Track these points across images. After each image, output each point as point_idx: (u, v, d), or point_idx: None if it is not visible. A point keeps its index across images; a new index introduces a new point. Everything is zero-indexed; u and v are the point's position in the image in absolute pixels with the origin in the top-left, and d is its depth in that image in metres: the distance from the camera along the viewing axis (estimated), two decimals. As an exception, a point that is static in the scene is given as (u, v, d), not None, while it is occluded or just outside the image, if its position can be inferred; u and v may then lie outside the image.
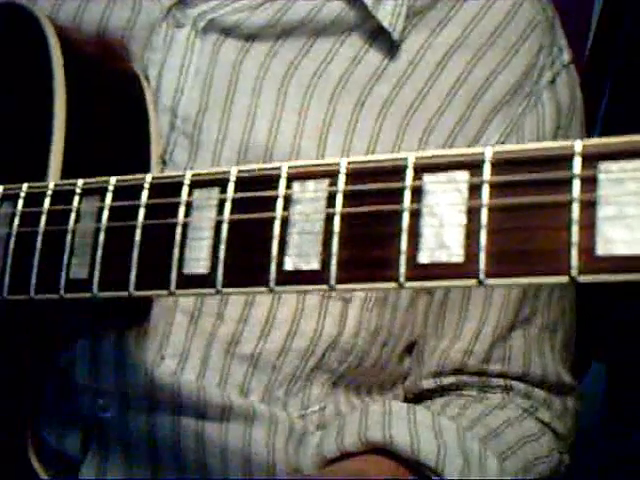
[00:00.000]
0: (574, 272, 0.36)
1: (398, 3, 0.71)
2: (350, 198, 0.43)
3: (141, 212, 0.49)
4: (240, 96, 0.71)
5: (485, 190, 0.39)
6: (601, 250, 0.36)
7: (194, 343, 0.71)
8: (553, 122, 0.76)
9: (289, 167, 0.45)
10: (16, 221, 0.54)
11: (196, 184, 0.48)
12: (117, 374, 0.71)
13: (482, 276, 0.39)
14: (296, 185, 0.44)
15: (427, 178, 0.41)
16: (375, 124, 0.72)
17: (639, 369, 1.12)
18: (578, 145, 0.38)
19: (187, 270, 0.46)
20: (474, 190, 0.39)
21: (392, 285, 0.41)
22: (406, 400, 0.80)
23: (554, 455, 0.78)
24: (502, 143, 0.74)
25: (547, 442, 0.77)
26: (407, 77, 0.73)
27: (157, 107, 0.70)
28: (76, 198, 0.52)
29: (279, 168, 0.45)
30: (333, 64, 0.72)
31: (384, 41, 0.72)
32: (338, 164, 0.43)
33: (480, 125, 0.74)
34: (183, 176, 0.48)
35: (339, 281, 0.42)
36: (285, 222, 0.44)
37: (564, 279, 0.37)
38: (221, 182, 0.47)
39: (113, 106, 0.67)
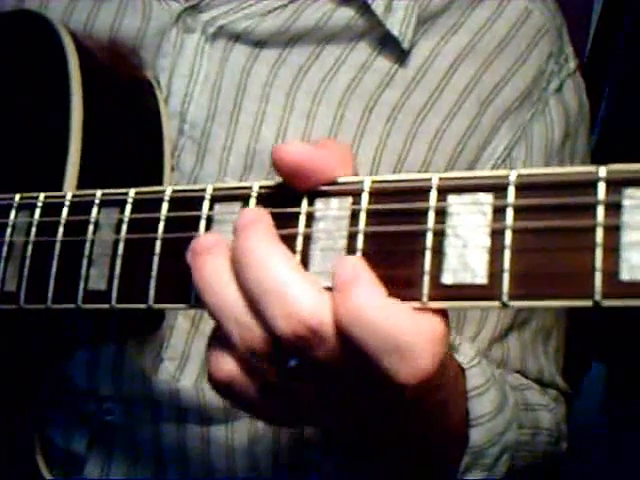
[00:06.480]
0: (598, 296, 0.37)
1: (408, 12, 0.71)
2: (373, 216, 0.43)
3: (161, 225, 0.49)
4: (248, 102, 0.71)
5: (509, 213, 0.40)
6: (625, 275, 0.36)
7: (194, 346, 0.71)
8: (561, 129, 0.76)
9: None
10: (33, 230, 0.54)
11: (217, 198, 0.48)
12: (115, 378, 0.71)
13: (505, 298, 0.39)
14: (319, 202, 0.45)
15: (451, 199, 0.41)
16: (383, 129, 0.72)
17: (639, 369, 1.12)
18: (602, 170, 0.38)
19: None
20: (498, 213, 0.40)
21: (416, 305, 0.41)
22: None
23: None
24: (511, 149, 0.74)
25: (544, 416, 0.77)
26: (416, 83, 0.72)
27: (167, 112, 0.70)
28: (94, 209, 0.52)
29: None
30: (342, 70, 0.72)
31: (393, 47, 0.72)
32: (362, 182, 0.44)
33: (489, 131, 0.74)
34: (204, 190, 0.48)
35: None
36: (308, 239, 0.44)
37: (588, 303, 0.37)
38: (243, 197, 0.47)
39: (128, 113, 0.67)
